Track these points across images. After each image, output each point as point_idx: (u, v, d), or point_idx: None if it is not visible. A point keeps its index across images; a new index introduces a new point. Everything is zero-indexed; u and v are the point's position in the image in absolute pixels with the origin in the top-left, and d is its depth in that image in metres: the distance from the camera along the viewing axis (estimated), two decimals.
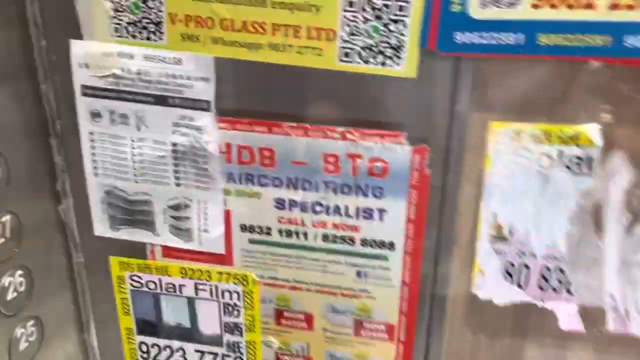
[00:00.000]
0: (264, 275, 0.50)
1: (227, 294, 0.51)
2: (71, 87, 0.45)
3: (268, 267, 0.49)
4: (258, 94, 0.44)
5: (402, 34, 0.39)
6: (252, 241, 0.49)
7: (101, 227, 0.51)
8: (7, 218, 0.45)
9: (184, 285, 0.52)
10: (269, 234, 0.48)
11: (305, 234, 0.47)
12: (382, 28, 0.39)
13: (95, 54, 0.44)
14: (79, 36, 0.43)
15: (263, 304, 0.51)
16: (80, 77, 0.45)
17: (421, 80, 0.39)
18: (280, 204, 0.46)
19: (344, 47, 0.40)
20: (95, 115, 0.46)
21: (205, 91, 0.43)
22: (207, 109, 0.44)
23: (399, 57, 0.39)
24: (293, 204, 0.46)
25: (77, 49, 0.44)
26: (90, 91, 0.45)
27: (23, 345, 0.49)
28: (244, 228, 0.48)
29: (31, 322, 0.50)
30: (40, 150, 0.48)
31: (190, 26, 0.42)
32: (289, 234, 0.47)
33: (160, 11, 0.42)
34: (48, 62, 0.46)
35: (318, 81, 0.42)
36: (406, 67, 0.39)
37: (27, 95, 0.46)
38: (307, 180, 0.45)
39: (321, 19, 0.39)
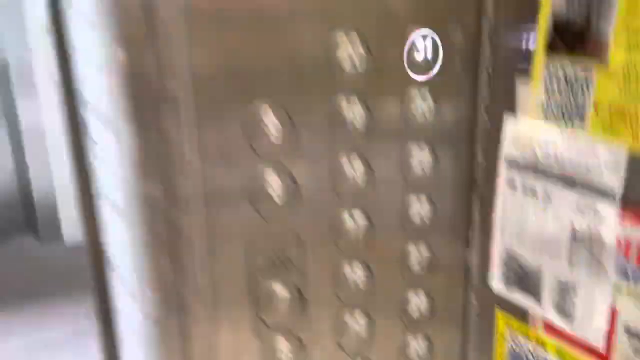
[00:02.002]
0: None
1: None
2: (497, 155, 0.52)
3: None
4: None
5: None
6: (638, 352, 0.44)
7: (498, 283, 0.56)
8: (423, 248, 0.56)
9: None
10: None
11: None
12: None
13: (521, 133, 0.49)
14: (514, 114, 0.50)
15: None
16: (506, 150, 0.51)
17: None
18: None
19: None
20: (511, 184, 0.52)
21: (613, 179, 0.42)
22: (612, 198, 0.43)
23: None
24: None
25: (510, 124, 0.50)
26: (511, 163, 0.51)
27: (413, 353, 0.60)
28: (630, 334, 0.44)
29: (422, 337, 0.60)
30: (462, 201, 0.57)
31: (614, 119, 0.41)
32: None
33: (585, 97, 0.43)
34: (485, 132, 0.54)
35: None
36: None
37: (463, 156, 0.55)
38: None
39: None
